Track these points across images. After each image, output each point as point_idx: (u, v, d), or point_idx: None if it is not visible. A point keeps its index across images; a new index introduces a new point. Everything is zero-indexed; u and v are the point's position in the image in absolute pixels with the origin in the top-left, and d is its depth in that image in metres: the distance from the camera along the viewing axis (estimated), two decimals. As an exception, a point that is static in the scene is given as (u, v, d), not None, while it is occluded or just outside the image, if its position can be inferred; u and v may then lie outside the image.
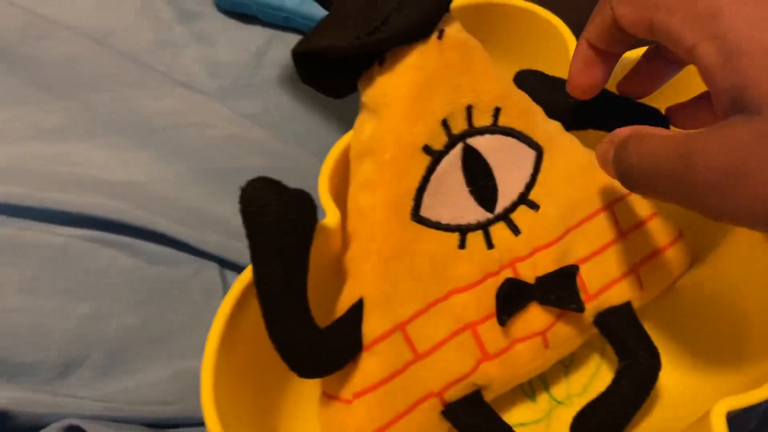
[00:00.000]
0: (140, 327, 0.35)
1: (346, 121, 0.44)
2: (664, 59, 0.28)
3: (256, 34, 0.46)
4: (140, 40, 0.45)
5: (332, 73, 0.28)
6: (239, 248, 0.37)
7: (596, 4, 0.26)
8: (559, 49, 0.33)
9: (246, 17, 0.47)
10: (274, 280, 0.24)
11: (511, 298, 0.29)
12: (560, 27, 0.33)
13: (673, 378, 0.31)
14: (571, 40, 0.33)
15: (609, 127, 0.31)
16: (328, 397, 0.28)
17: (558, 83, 0.31)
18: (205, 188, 0.39)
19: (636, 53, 0.30)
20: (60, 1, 0.44)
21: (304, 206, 0.24)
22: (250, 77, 0.45)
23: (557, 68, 0.33)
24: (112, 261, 0.35)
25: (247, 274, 0.26)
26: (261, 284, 0.24)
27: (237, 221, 0.38)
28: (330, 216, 0.27)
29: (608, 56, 0.27)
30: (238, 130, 0.41)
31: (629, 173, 0.23)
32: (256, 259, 0.24)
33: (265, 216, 0.23)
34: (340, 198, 0.29)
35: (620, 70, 0.32)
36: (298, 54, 0.27)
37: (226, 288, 0.37)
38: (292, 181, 0.40)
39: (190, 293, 0.36)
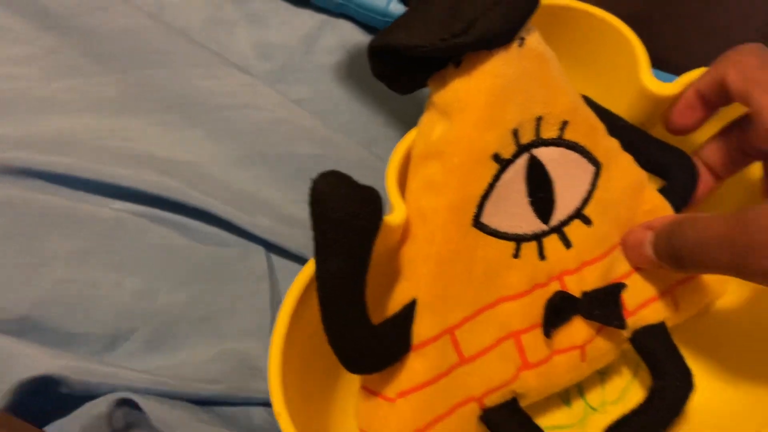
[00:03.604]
0: (187, 305, 0.35)
1: (392, 114, 0.44)
2: (738, 141, 0.31)
3: (308, 18, 0.46)
4: (192, 16, 0.45)
5: (404, 69, 0.28)
6: (288, 233, 0.38)
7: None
8: (626, 58, 0.33)
9: (297, 1, 0.46)
10: (337, 276, 0.24)
11: (559, 311, 0.29)
12: (628, 34, 0.33)
13: (708, 399, 0.32)
14: (640, 50, 0.32)
15: (641, 163, 0.32)
16: (370, 392, 0.29)
17: (605, 112, 0.31)
18: (254, 171, 0.40)
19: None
20: None
21: (373, 203, 0.24)
22: (301, 62, 0.45)
23: (623, 78, 0.33)
24: (163, 238, 0.36)
25: (310, 269, 0.27)
26: (323, 278, 0.24)
27: (286, 207, 0.40)
28: (397, 213, 0.27)
29: (708, 107, 0.30)
30: (288, 115, 0.41)
31: (683, 249, 0.27)
32: (321, 253, 0.24)
33: (336, 211, 0.23)
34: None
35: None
36: (374, 48, 0.27)
37: (272, 272, 0.38)
38: (339, 170, 0.41)
39: (237, 275, 0.37)
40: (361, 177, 0.42)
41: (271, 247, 0.38)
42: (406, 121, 0.44)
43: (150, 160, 0.38)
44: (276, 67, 0.44)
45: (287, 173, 0.40)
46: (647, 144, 0.32)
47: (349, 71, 0.45)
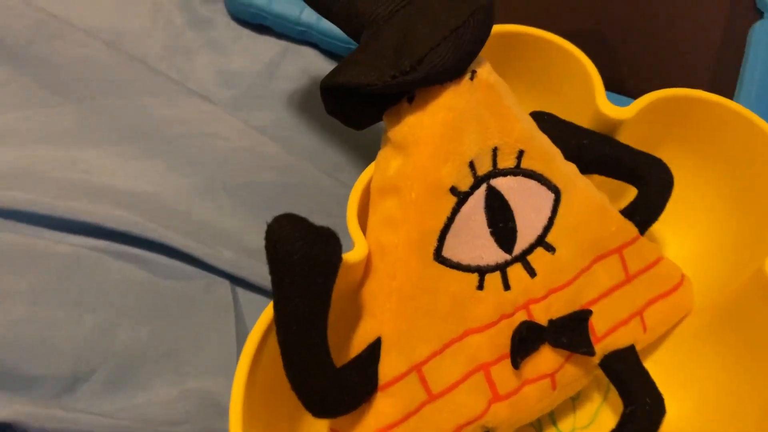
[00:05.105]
0: (149, 341, 0.34)
1: (356, 140, 0.44)
2: None
3: (270, 45, 0.46)
4: (152, 44, 0.44)
5: (358, 105, 0.28)
6: (252, 265, 0.37)
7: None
8: (581, 82, 0.33)
9: (259, 27, 0.46)
10: (296, 320, 0.23)
11: (526, 341, 0.29)
12: (582, 59, 0.33)
13: (676, 422, 0.32)
14: (594, 74, 0.33)
15: (614, 174, 0.32)
16: None
17: (569, 127, 0.31)
18: (216, 202, 0.39)
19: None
20: (72, 0, 0.43)
21: (330, 245, 0.24)
22: (263, 88, 0.44)
23: (579, 102, 0.33)
24: (122, 273, 0.35)
25: (269, 312, 0.26)
26: (282, 324, 0.24)
27: (249, 237, 0.39)
28: (357, 249, 0.27)
29: None
30: (251, 143, 0.41)
31: None
32: (279, 298, 0.23)
33: (292, 255, 0.23)
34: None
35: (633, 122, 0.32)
36: (325, 86, 0.27)
37: (237, 305, 0.37)
38: (304, 198, 0.41)
39: (201, 309, 0.36)
40: (326, 204, 0.41)
41: (235, 279, 0.38)
42: (371, 147, 0.43)
43: (109, 193, 0.38)
44: (238, 94, 0.44)
45: (251, 203, 0.39)
46: (621, 151, 0.32)
47: (311, 98, 0.45)
